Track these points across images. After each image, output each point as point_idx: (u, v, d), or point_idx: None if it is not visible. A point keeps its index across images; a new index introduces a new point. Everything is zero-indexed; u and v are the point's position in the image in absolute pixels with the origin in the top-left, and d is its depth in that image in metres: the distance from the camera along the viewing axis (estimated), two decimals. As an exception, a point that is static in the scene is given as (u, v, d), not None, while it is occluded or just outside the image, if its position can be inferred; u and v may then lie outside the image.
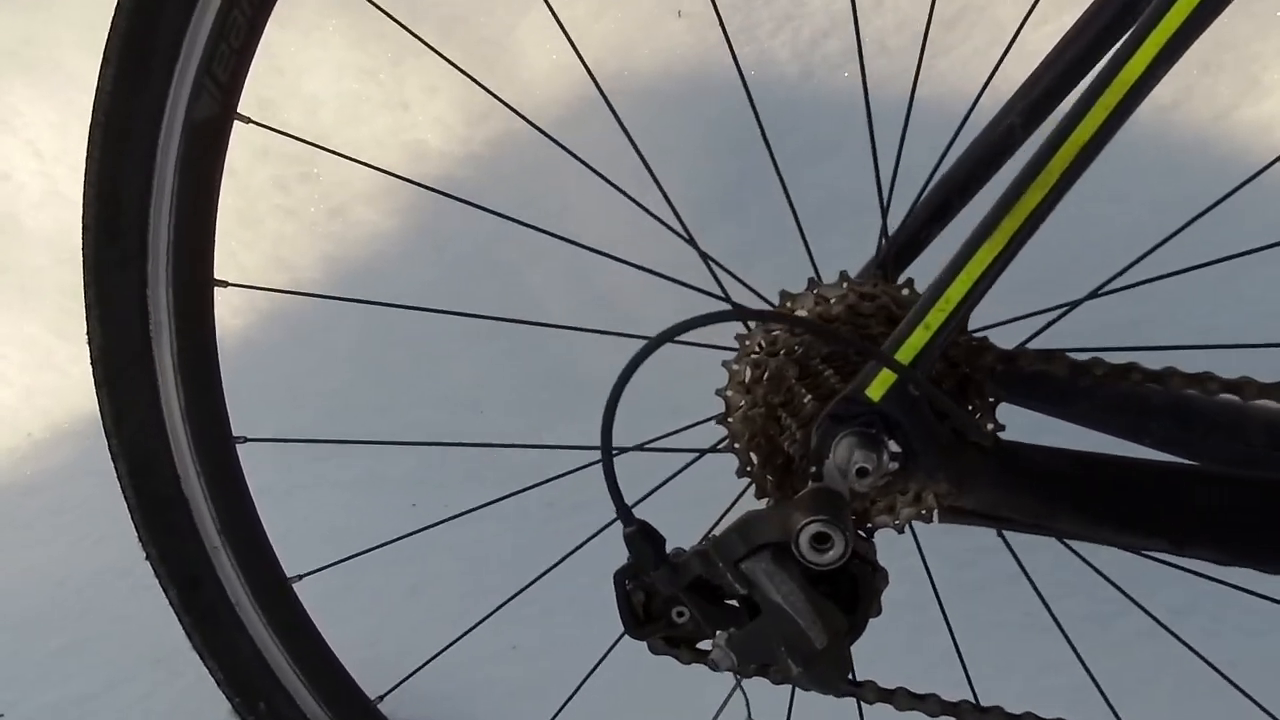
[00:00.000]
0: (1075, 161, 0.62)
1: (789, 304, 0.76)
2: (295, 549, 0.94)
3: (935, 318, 0.64)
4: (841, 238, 1.56)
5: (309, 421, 1.55)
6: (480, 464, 1.47)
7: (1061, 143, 0.62)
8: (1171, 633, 0.84)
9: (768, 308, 0.76)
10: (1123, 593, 0.84)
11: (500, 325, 1.60)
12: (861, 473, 0.64)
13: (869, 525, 0.75)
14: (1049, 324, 0.75)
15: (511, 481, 0.99)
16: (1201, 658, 0.83)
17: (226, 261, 1.69)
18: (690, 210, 1.56)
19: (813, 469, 0.68)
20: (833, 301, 0.74)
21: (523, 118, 0.89)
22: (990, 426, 0.74)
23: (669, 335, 0.64)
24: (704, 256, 0.85)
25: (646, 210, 0.90)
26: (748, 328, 0.74)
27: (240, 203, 1.70)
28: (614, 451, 0.67)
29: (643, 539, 0.68)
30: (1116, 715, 0.85)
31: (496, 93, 1.67)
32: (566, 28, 1.65)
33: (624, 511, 0.68)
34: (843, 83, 1.61)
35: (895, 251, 0.83)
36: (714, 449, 0.80)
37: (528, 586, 0.92)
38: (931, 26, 1.62)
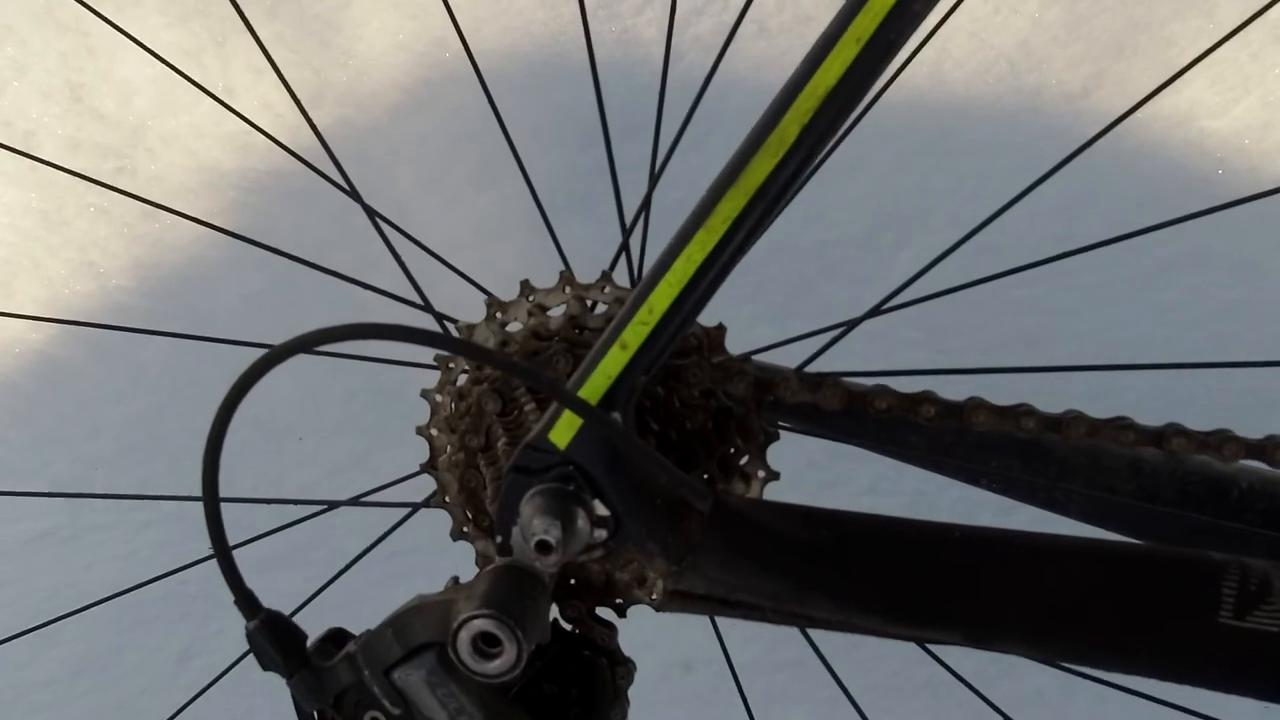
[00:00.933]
0: (817, 114, 0.45)
1: (499, 314, 0.58)
2: None
3: (634, 335, 0.46)
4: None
5: (107, 453, 1.36)
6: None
7: (795, 96, 0.45)
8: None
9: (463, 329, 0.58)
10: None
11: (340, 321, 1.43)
12: (542, 547, 0.47)
13: (617, 601, 0.58)
14: (830, 343, 0.57)
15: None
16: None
17: (30, 271, 1.51)
18: (517, 208, 1.40)
19: (498, 538, 0.50)
20: (549, 311, 0.57)
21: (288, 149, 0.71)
22: (762, 474, 0.57)
23: (281, 353, 0.47)
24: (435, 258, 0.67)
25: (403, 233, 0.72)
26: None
27: (46, 203, 1.51)
28: (219, 501, 0.49)
29: (270, 637, 0.50)
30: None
31: (329, 73, 1.48)
32: (403, 4, 1.46)
33: (246, 599, 0.50)
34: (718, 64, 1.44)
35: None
36: (427, 503, 0.62)
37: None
38: (811, 6, 1.46)
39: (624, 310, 0.47)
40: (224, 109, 1.61)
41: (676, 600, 0.50)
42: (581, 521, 0.48)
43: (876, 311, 0.55)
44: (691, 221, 0.46)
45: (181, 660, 1.20)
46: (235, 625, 0.51)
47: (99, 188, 1.53)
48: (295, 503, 0.76)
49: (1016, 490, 0.58)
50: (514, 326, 0.58)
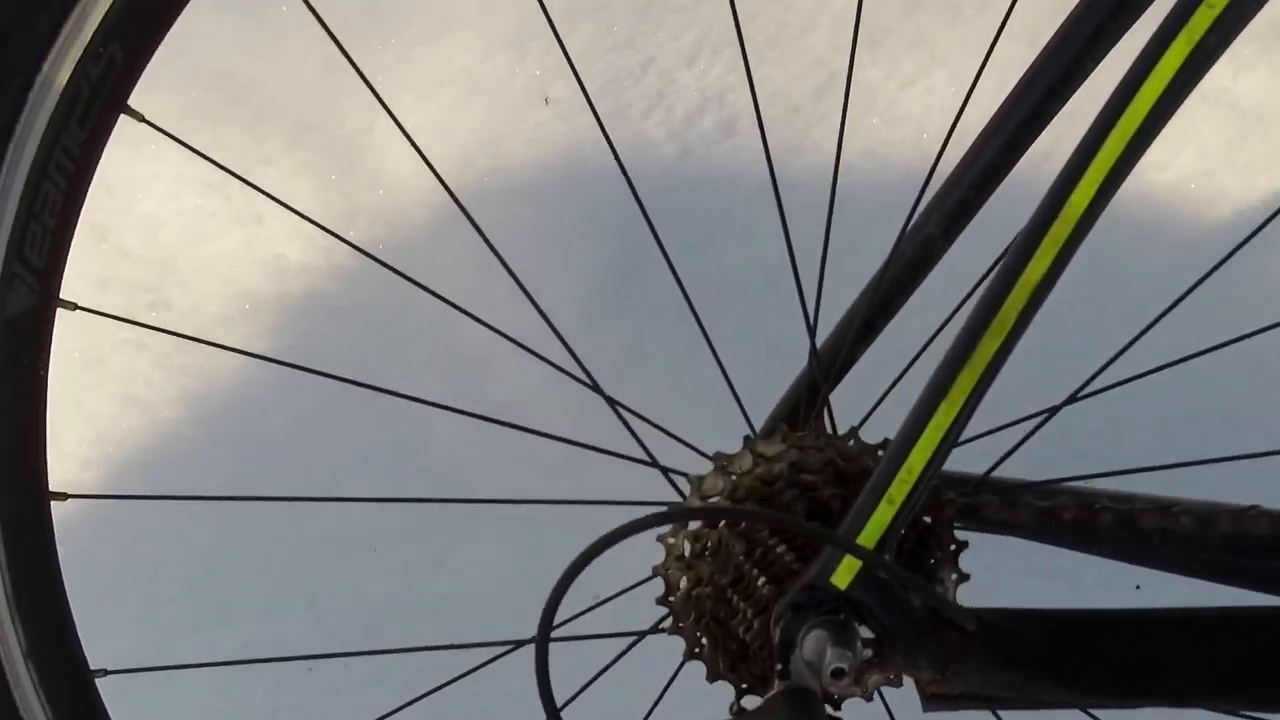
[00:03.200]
0: (1030, 303, 0.57)
1: (725, 464, 0.68)
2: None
3: (899, 491, 0.57)
4: (739, 320, 1.51)
5: (179, 589, 1.39)
6: (383, 610, 1.35)
7: (1012, 285, 0.56)
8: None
9: (707, 500, 0.68)
10: None
11: (387, 446, 1.49)
12: (837, 674, 0.57)
13: (834, 697, 0.68)
14: (1025, 438, 0.69)
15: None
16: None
17: (71, 411, 1.53)
18: (580, 310, 1.49)
19: (778, 666, 0.60)
20: (773, 459, 0.67)
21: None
22: (954, 576, 0.68)
23: (605, 544, 0.56)
24: (613, 405, 0.76)
25: (548, 361, 0.81)
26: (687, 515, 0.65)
27: (82, 341, 1.53)
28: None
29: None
30: None
31: (357, 197, 1.55)
32: (428, 123, 1.55)
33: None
34: (721, 159, 1.56)
35: (824, 373, 0.77)
36: (655, 629, 0.71)
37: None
38: (799, 97, 1.60)
39: (883, 470, 0.57)
40: (254, 234, 1.65)
41: (935, 702, 0.60)
42: (859, 646, 0.58)
43: (1073, 399, 0.67)
44: (936, 391, 0.57)
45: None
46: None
47: (130, 325, 1.56)
48: (497, 644, 0.83)
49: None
50: (736, 471, 0.68)
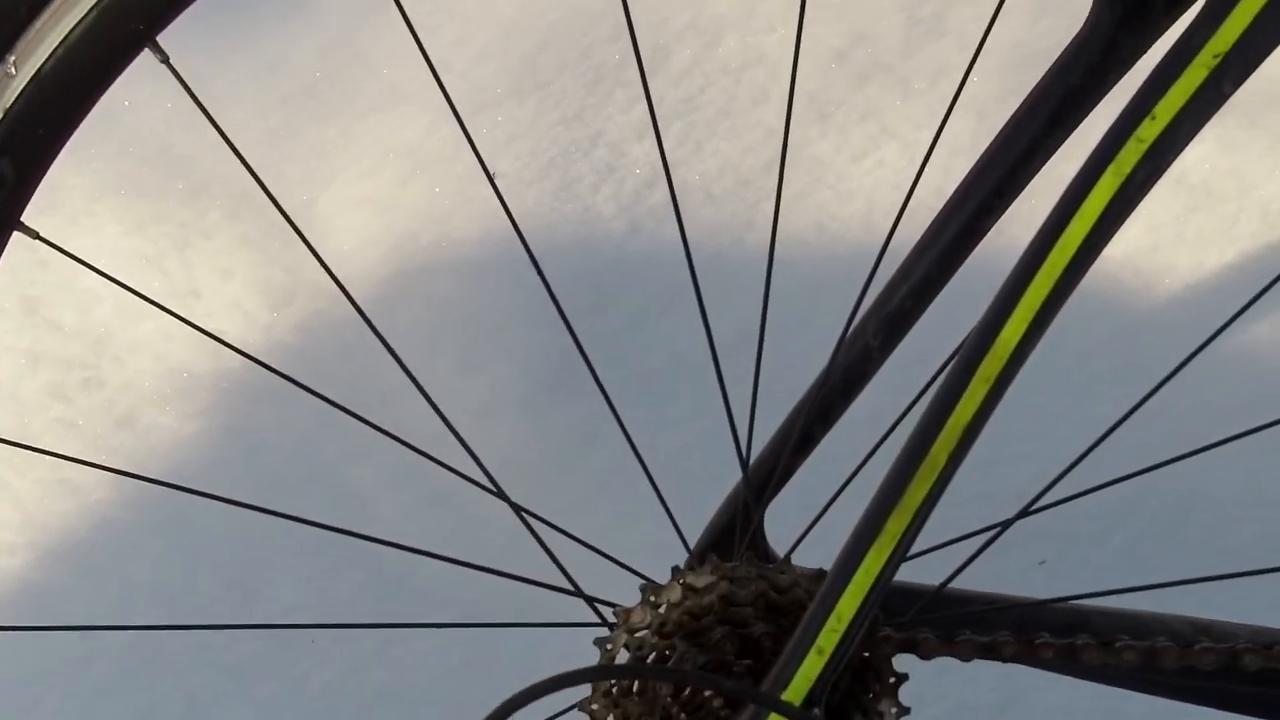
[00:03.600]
0: (960, 443, 0.54)
1: (653, 596, 0.65)
2: None
3: (828, 641, 0.54)
4: (686, 401, 1.49)
5: (106, 671, 1.33)
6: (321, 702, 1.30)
7: (941, 425, 0.54)
8: None
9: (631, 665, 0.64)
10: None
11: (326, 535, 1.44)
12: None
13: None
14: (976, 553, 0.66)
15: None
16: None
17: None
18: (526, 390, 1.46)
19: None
20: (702, 592, 0.64)
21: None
22: (894, 710, 0.65)
23: (515, 706, 0.52)
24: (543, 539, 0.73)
25: (462, 475, 0.77)
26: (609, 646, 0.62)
27: (11, 421, 1.48)
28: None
29: None
30: None
31: (300, 273, 1.52)
32: (373, 198, 1.53)
33: None
34: (672, 233, 1.54)
35: (761, 486, 0.74)
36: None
37: None
38: (749, 170, 1.59)
39: (811, 618, 0.55)
40: (190, 310, 1.61)
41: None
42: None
43: (1025, 513, 0.64)
44: (864, 535, 0.55)
45: None
46: None
47: (63, 402, 1.51)
48: None
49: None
50: (664, 601, 0.65)
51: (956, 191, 0.72)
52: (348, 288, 1.62)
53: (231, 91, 1.58)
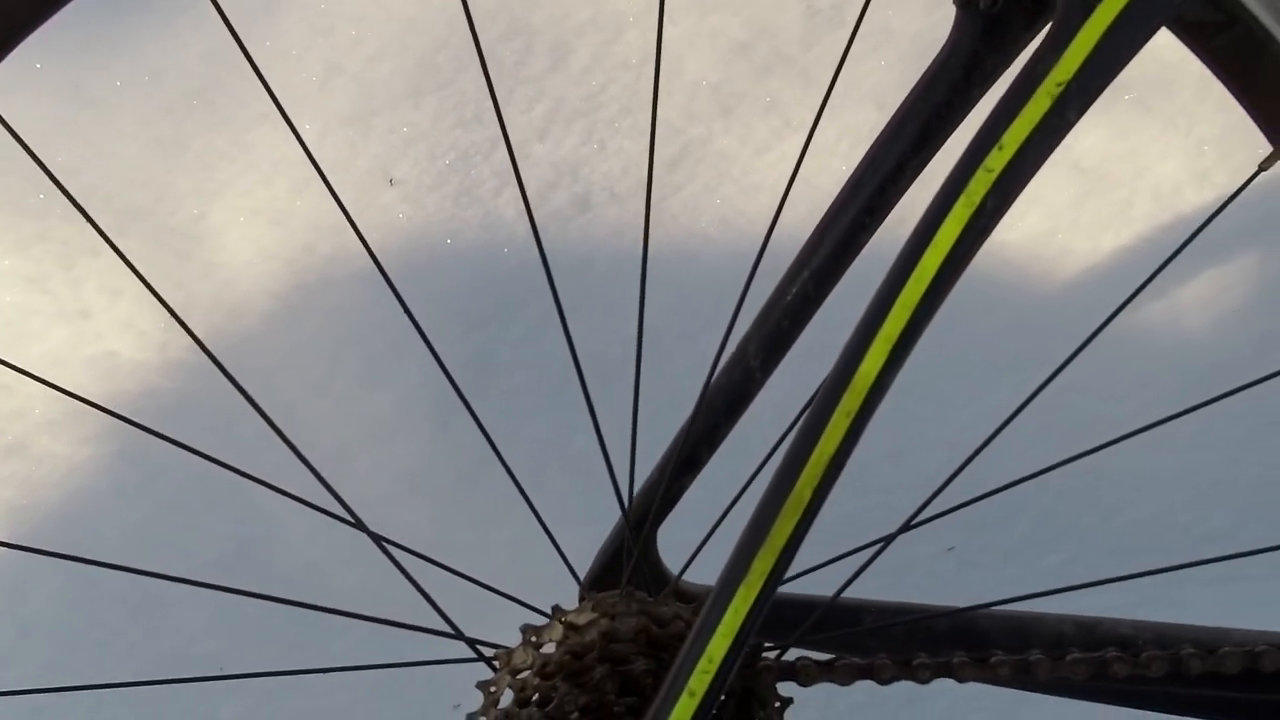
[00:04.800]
0: (825, 478, 0.54)
1: (534, 636, 0.64)
2: None
3: (699, 683, 0.54)
4: (603, 403, 1.48)
5: (8, 714, 1.29)
6: None
7: (805, 460, 0.54)
8: None
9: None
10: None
11: (236, 560, 1.41)
12: None
13: None
14: (862, 568, 0.67)
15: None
16: None
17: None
18: (433, 402, 1.44)
19: None
20: (584, 629, 0.63)
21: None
22: (781, 733, 0.65)
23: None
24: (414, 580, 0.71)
25: (324, 511, 0.75)
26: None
27: (-110, 453, 1.42)
28: None
29: None
30: None
31: (192, 287, 1.47)
32: (266, 209, 1.48)
33: None
34: (577, 234, 1.53)
35: (643, 515, 0.74)
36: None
37: None
38: (654, 169, 1.57)
39: (682, 661, 0.54)
40: (80, 331, 1.56)
41: None
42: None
43: (907, 527, 0.65)
44: (733, 576, 0.54)
45: None
46: None
47: (-53, 430, 1.45)
48: None
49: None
50: (549, 644, 0.64)
51: (829, 211, 0.72)
52: (245, 302, 1.56)
53: (115, 99, 1.52)
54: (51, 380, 1.48)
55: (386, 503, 1.32)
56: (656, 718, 0.54)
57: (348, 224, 1.49)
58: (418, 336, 1.55)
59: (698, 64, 1.65)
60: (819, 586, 0.78)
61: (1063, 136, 0.54)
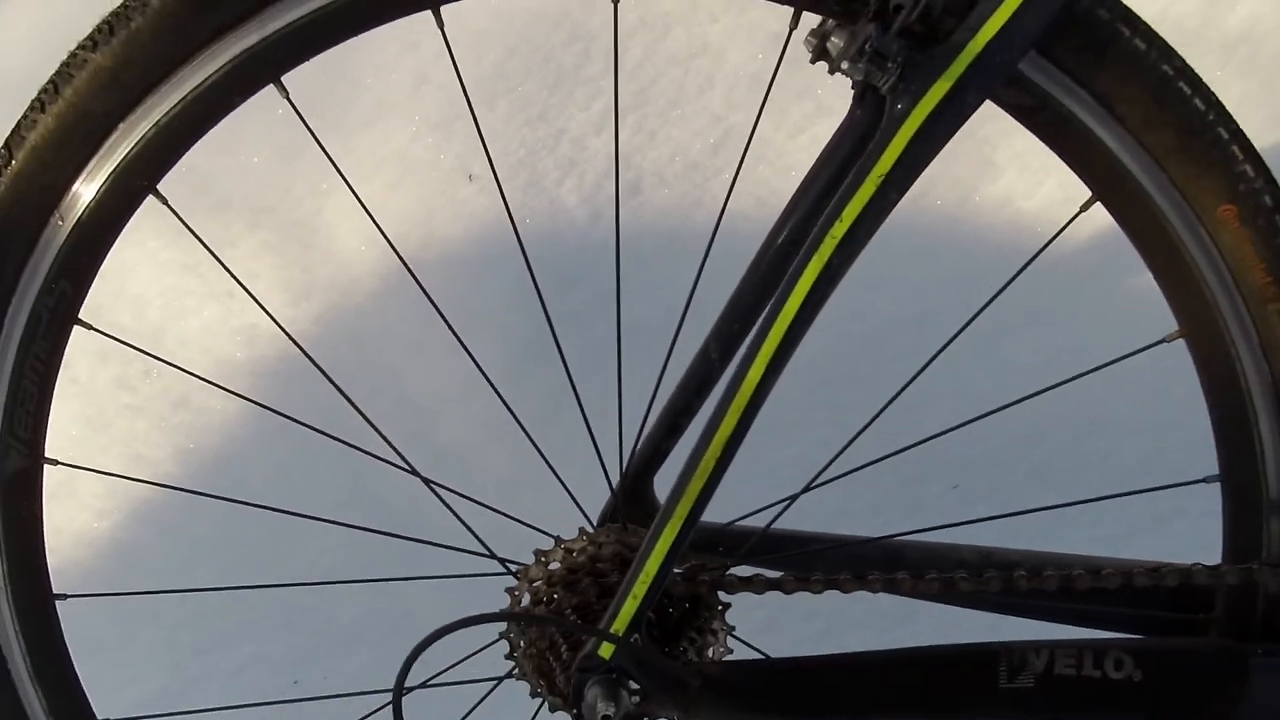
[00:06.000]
0: (722, 454, 0.78)
1: (543, 557, 0.91)
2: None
3: (640, 588, 0.79)
4: (644, 369, 1.73)
5: (189, 617, 1.65)
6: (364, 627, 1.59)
7: (709, 441, 0.78)
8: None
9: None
10: None
11: (357, 487, 1.72)
12: (606, 718, 0.80)
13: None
14: (780, 513, 0.91)
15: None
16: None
17: (86, 471, 1.77)
18: (506, 365, 1.71)
19: (573, 711, 0.83)
20: (578, 554, 0.90)
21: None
22: (721, 628, 0.90)
23: (437, 636, 0.79)
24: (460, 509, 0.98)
25: (372, 454, 1.02)
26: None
27: (89, 409, 1.78)
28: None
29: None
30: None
31: (315, 271, 1.77)
32: (365, 203, 1.78)
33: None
34: (627, 217, 1.76)
35: (636, 472, 0.99)
36: (508, 676, 0.95)
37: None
38: (698, 154, 1.79)
39: (630, 574, 0.80)
40: (227, 308, 1.88)
41: (692, 733, 0.83)
42: (624, 697, 0.81)
43: (809, 488, 0.88)
44: (664, 515, 0.79)
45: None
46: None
47: (128, 391, 1.81)
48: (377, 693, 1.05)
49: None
50: (554, 564, 0.90)
51: (765, 241, 0.94)
52: (355, 282, 1.86)
53: (241, 112, 1.82)
54: (203, 347, 1.80)
55: (483, 438, 1.61)
56: (613, 613, 0.80)
57: (434, 215, 1.76)
58: (496, 308, 1.81)
59: (738, 56, 1.84)
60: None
61: (889, 211, 0.75)
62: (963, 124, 0.75)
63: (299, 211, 1.78)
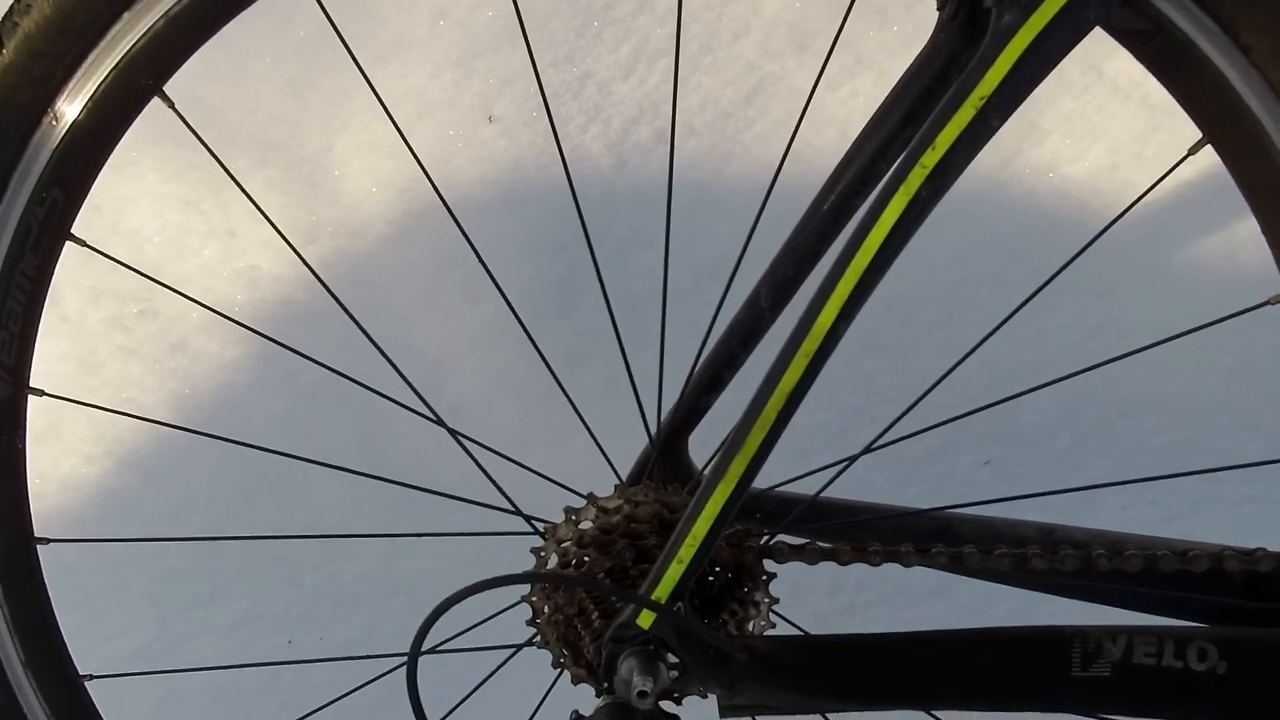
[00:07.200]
0: (787, 404, 0.70)
1: (574, 516, 0.83)
2: None
3: (686, 553, 0.72)
4: (671, 319, 1.65)
5: (182, 564, 1.57)
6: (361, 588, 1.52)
7: (772, 390, 0.70)
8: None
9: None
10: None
11: (365, 437, 1.64)
12: (642, 695, 0.72)
13: (675, 696, 0.84)
14: (830, 480, 0.83)
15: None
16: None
17: (75, 413, 1.69)
18: (525, 311, 1.62)
19: (604, 684, 0.76)
20: (612, 513, 0.82)
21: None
22: (766, 600, 0.83)
23: (459, 598, 0.71)
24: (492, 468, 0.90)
25: (400, 404, 0.94)
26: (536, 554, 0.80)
27: (80, 349, 1.69)
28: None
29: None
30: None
31: (322, 212, 1.68)
32: (382, 142, 1.68)
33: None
34: (657, 167, 1.67)
35: (674, 427, 0.91)
36: (529, 644, 0.87)
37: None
38: (730, 103, 1.70)
39: (675, 537, 0.72)
40: (228, 247, 1.79)
41: (729, 711, 0.76)
42: (662, 670, 0.74)
43: (869, 449, 0.81)
44: (715, 475, 0.71)
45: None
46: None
47: (122, 332, 1.72)
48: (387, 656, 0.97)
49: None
50: (585, 523, 0.82)
51: (828, 179, 0.86)
52: (365, 226, 1.77)
53: (252, 44, 1.73)
54: (203, 287, 1.72)
55: (493, 391, 1.53)
56: (655, 578, 0.72)
57: (452, 157, 1.67)
58: (514, 256, 1.73)
59: (776, 3, 1.75)
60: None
61: (987, 140, 0.67)
62: (1077, 43, 0.66)
63: (308, 148, 1.69)
